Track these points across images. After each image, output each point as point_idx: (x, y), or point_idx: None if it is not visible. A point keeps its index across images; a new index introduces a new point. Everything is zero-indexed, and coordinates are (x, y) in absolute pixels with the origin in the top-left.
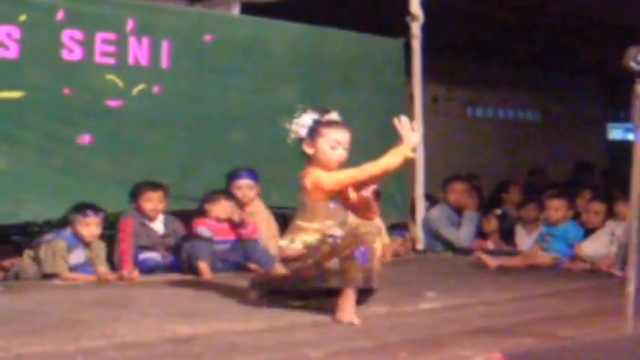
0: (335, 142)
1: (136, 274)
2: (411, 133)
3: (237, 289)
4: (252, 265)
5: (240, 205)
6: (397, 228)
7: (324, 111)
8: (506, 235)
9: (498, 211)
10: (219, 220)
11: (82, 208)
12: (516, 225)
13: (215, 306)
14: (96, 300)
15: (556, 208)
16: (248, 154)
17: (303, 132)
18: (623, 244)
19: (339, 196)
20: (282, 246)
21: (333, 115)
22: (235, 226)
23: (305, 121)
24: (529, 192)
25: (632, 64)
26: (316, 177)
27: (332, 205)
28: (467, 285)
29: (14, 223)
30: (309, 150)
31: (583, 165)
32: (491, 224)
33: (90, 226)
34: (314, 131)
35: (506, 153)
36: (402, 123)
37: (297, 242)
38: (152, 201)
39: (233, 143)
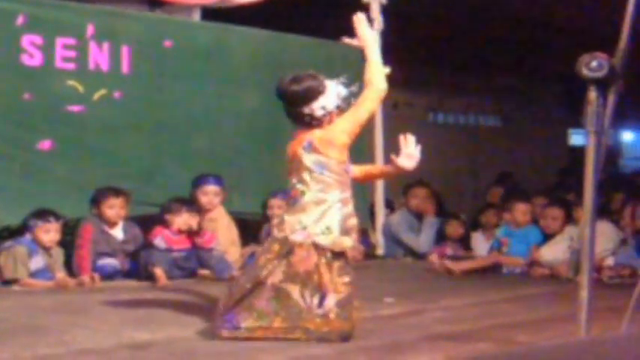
0: None
1: (97, 279)
2: (408, 157)
3: (194, 295)
4: (206, 272)
5: (203, 211)
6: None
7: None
8: (463, 240)
9: (463, 217)
10: (179, 231)
11: (43, 213)
12: (475, 230)
13: (173, 312)
14: (54, 306)
15: (523, 212)
16: (210, 159)
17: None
18: (576, 250)
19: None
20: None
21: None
22: (193, 234)
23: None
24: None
25: (585, 71)
26: (324, 134)
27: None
28: (426, 290)
29: None
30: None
31: (567, 169)
32: (455, 229)
33: (50, 232)
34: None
35: (468, 158)
36: (406, 141)
37: (324, 225)
38: (114, 207)
39: (195, 149)
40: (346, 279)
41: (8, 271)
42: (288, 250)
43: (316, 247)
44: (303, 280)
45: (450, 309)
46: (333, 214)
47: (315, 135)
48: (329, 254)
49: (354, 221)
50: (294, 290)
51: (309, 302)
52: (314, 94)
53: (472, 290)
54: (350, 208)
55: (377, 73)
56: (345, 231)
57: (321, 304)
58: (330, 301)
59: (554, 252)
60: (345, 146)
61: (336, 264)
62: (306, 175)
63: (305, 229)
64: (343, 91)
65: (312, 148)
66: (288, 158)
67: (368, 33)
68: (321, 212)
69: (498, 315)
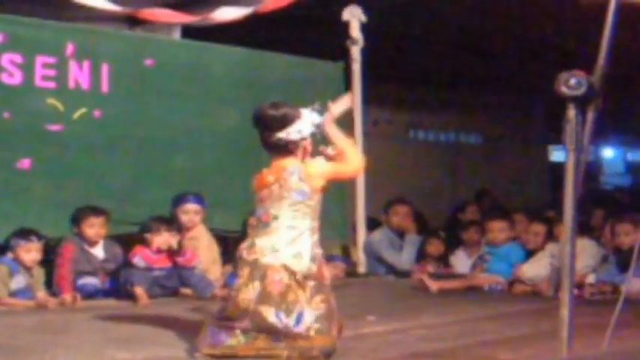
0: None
1: (78, 299)
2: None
3: (175, 314)
4: (187, 291)
5: (184, 229)
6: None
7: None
8: (443, 258)
9: (442, 234)
10: (159, 250)
11: (25, 233)
12: (457, 248)
13: (153, 331)
14: (35, 326)
15: (500, 229)
16: (190, 178)
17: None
18: (556, 268)
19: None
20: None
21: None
22: (173, 253)
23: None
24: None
25: (564, 89)
26: (308, 167)
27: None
28: (408, 308)
29: None
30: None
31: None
32: (435, 247)
33: (31, 252)
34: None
35: (449, 176)
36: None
37: (295, 250)
38: (94, 227)
39: (175, 167)
40: (322, 296)
41: None
42: (260, 273)
43: (286, 269)
44: (277, 302)
45: (432, 327)
46: (304, 241)
47: (301, 165)
48: (299, 276)
49: (318, 251)
50: (270, 312)
51: (285, 322)
52: (291, 118)
53: (454, 308)
54: (316, 237)
55: (353, 155)
56: (312, 258)
57: (298, 323)
58: (308, 318)
59: (535, 269)
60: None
61: (310, 283)
62: (284, 201)
63: (276, 252)
64: (317, 119)
65: (299, 176)
66: (260, 186)
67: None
68: (292, 238)
69: (480, 333)
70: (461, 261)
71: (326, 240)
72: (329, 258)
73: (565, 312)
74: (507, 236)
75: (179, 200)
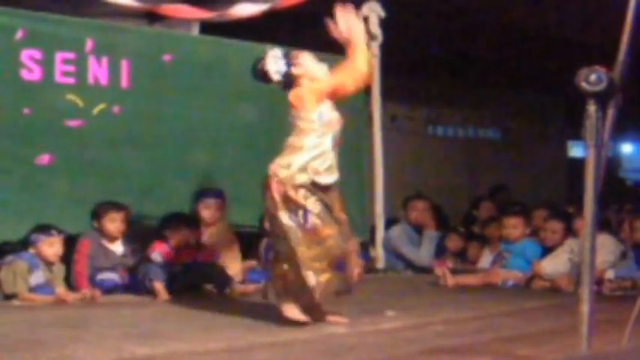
0: (310, 61)
1: (98, 293)
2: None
3: (194, 309)
4: (207, 287)
5: (204, 225)
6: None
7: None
8: (463, 253)
9: (461, 230)
10: (177, 246)
11: (45, 227)
12: (481, 243)
13: (173, 326)
14: (54, 321)
15: (514, 225)
16: (209, 173)
17: (282, 65)
18: (577, 264)
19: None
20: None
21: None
22: (192, 249)
23: (280, 66)
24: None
25: (584, 85)
26: (295, 91)
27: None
28: (427, 304)
29: None
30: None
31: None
32: (454, 242)
33: (54, 246)
34: (291, 63)
35: (467, 171)
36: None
37: (287, 161)
38: (115, 222)
39: (194, 163)
40: (315, 198)
41: (8, 286)
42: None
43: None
44: (285, 205)
45: (451, 322)
46: (300, 155)
47: (292, 93)
48: (289, 185)
49: (319, 164)
50: (284, 215)
51: (295, 220)
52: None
53: (473, 304)
54: (323, 152)
55: (361, 56)
56: (303, 169)
57: (305, 220)
58: (311, 217)
59: (554, 265)
60: (314, 94)
61: (301, 191)
62: (291, 125)
63: (274, 164)
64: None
65: (290, 104)
66: None
67: (356, 24)
68: (290, 152)
69: (499, 328)
70: (485, 257)
71: None
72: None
73: (585, 308)
74: (522, 232)
75: (200, 195)
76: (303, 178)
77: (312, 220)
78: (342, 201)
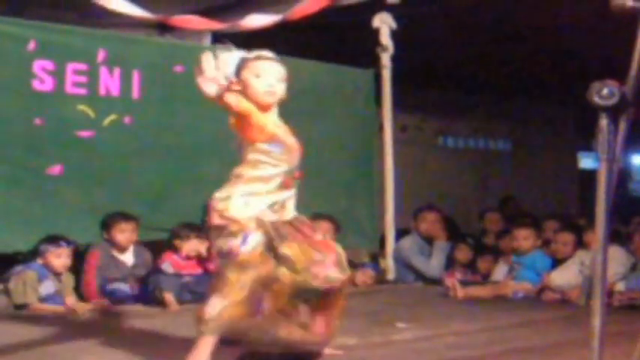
0: (261, 70)
1: (107, 304)
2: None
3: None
4: None
5: None
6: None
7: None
8: (472, 264)
9: (471, 241)
10: (188, 256)
11: (54, 238)
12: (491, 255)
13: (184, 337)
14: (65, 331)
15: (524, 237)
16: (220, 184)
17: (229, 71)
18: (588, 277)
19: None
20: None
21: (265, 53)
22: (202, 260)
23: (231, 58)
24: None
25: (596, 99)
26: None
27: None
28: (437, 315)
29: None
30: (235, 90)
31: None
32: (464, 253)
33: (61, 257)
34: (240, 68)
35: (477, 182)
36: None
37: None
38: (125, 232)
39: (205, 174)
40: (262, 229)
41: (18, 296)
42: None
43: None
44: (224, 231)
45: (462, 334)
46: (242, 187)
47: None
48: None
49: (260, 201)
50: (223, 242)
51: (232, 243)
52: None
53: (483, 315)
54: (268, 189)
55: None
56: (244, 203)
57: (244, 241)
58: (251, 240)
59: (565, 277)
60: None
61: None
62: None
63: (213, 198)
64: (235, 59)
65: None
66: None
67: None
68: (231, 183)
69: (510, 340)
70: (498, 269)
71: (355, 247)
72: (358, 265)
73: (596, 321)
74: (533, 244)
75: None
76: (242, 213)
77: (252, 244)
78: (313, 244)
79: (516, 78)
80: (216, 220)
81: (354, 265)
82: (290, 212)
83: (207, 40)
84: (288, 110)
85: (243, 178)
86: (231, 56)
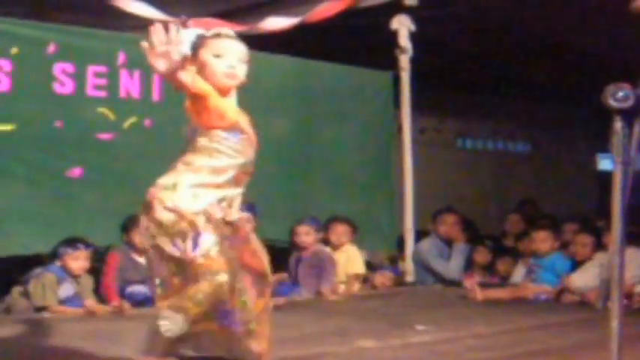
0: (222, 49)
1: (127, 306)
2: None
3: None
4: None
5: None
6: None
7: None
8: (490, 267)
9: (489, 243)
10: None
11: (72, 241)
12: (511, 257)
13: None
14: (85, 333)
15: (543, 239)
16: None
17: (185, 48)
18: (606, 279)
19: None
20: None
21: (225, 30)
22: None
23: (187, 35)
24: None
25: (611, 102)
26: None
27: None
28: (457, 317)
29: (3, 255)
30: (190, 70)
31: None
32: (482, 256)
33: (79, 260)
34: (198, 46)
35: (496, 184)
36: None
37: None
38: None
39: None
40: (213, 225)
41: (38, 299)
42: None
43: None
44: (169, 229)
45: (481, 336)
46: (193, 176)
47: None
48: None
49: (210, 194)
50: (166, 242)
51: (180, 247)
52: None
53: (503, 317)
54: (219, 182)
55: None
56: (193, 194)
57: (195, 245)
58: (203, 243)
59: (584, 279)
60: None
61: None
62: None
63: (155, 185)
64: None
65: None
66: None
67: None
68: (178, 170)
69: (529, 342)
70: (518, 271)
71: (374, 249)
72: (377, 267)
73: (615, 323)
74: (551, 246)
75: None
76: (189, 205)
77: (205, 246)
78: (256, 248)
79: (535, 80)
80: (159, 212)
81: (373, 267)
82: (235, 212)
83: None
84: (307, 113)
85: (193, 166)
86: (188, 33)
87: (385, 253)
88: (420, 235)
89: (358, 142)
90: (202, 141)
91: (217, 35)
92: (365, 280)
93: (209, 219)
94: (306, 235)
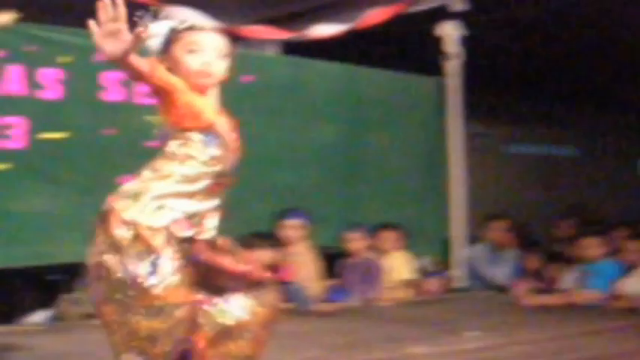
0: (196, 43)
1: None
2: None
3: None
4: (285, 305)
5: (287, 243)
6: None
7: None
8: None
9: (539, 249)
10: None
11: None
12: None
13: None
14: None
15: (593, 245)
16: (289, 194)
17: (157, 42)
18: None
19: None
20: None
21: (201, 23)
22: (271, 268)
23: (159, 29)
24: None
25: None
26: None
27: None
28: (507, 324)
29: (54, 263)
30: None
31: None
32: (532, 262)
33: None
34: (170, 41)
35: (544, 189)
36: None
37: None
38: None
39: (274, 183)
40: (175, 248)
41: (88, 305)
42: None
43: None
44: (123, 247)
45: (531, 343)
46: (161, 184)
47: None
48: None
49: (179, 205)
50: (116, 263)
51: (134, 272)
52: None
53: (553, 324)
54: (192, 191)
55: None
56: (158, 205)
57: (154, 271)
58: (163, 268)
59: (635, 285)
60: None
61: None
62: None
63: (115, 193)
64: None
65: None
66: None
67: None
68: (144, 178)
69: (579, 349)
70: (568, 277)
71: (424, 255)
72: (428, 274)
73: None
74: (602, 252)
75: (282, 215)
76: (151, 220)
77: (164, 272)
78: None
79: (583, 85)
80: (113, 225)
81: (423, 273)
82: (209, 230)
83: (275, 50)
84: (356, 119)
85: (161, 173)
86: (159, 26)
87: (435, 260)
88: (469, 241)
89: (407, 148)
90: (173, 145)
91: (191, 28)
92: (415, 286)
93: (170, 238)
94: (356, 242)
